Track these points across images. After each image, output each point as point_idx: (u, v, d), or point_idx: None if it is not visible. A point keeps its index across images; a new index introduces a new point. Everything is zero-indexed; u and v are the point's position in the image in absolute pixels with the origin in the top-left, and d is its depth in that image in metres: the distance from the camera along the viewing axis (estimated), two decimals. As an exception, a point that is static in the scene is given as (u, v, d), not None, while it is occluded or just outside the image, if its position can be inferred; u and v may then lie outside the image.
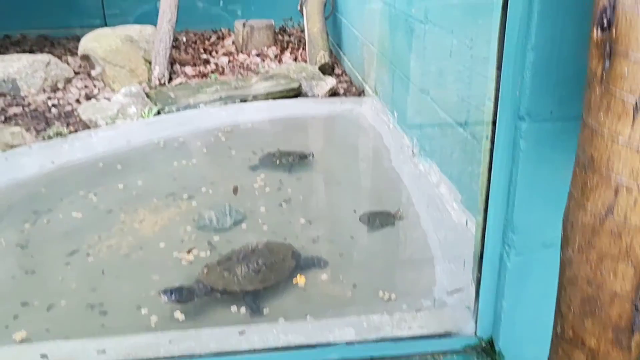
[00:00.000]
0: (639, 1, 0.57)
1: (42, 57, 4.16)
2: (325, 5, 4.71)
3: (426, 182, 2.42)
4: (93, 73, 4.18)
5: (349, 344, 1.38)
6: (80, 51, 4.22)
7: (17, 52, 5.42)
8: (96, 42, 4.12)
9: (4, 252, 2.17)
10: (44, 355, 1.41)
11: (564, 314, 0.80)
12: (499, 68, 1.20)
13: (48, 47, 5.74)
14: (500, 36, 1.18)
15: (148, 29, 4.45)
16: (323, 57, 4.32)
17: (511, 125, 1.22)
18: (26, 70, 4.00)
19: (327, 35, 4.60)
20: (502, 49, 1.19)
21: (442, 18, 2.27)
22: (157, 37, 4.33)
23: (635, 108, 0.59)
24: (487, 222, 1.31)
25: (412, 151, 2.70)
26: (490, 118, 1.26)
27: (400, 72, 2.92)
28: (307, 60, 4.52)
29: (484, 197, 1.33)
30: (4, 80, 3.94)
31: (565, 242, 0.75)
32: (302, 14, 4.80)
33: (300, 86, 3.78)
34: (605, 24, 0.61)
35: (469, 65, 2.01)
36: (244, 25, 5.26)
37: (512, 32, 1.16)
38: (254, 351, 1.38)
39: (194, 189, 2.61)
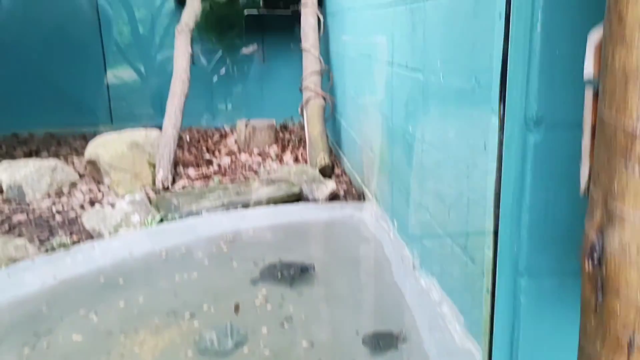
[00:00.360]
0: (625, 247, 0.61)
1: (49, 163, 4.26)
2: (324, 109, 4.88)
3: (428, 299, 2.42)
4: (104, 183, 4.27)
5: None
6: (86, 157, 4.33)
7: (24, 151, 5.58)
8: (103, 147, 4.24)
9: (0, 381, 2.14)
10: None
11: None
12: (496, 232, 1.24)
13: (55, 146, 5.90)
14: (495, 197, 1.24)
15: (153, 133, 4.59)
16: (323, 159, 4.43)
17: (511, 281, 1.25)
18: (32, 176, 4.09)
19: (327, 137, 4.74)
20: (499, 209, 1.23)
21: (439, 142, 2.36)
22: (162, 141, 4.46)
23: (630, 345, 0.62)
24: (492, 373, 1.31)
25: (413, 264, 2.71)
26: (490, 269, 1.29)
27: (399, 183, 2.99)
28: (308, 161, 4.64)
29: (487, 347, 1.33)
30: (10, 187, 4.02)
31: None
32: (303, 117, 4.98)
33: (301, 191, 3.86)
34: (596, 261, 0.65)
35: (466, 194, 2.06)
36: (246, 125, 5.44)
37: (507, 193, 1.21)
38: None
39: (195, 306, 2.60)
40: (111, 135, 4.48)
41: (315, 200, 3.86)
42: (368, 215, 3.48)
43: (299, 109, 5.01)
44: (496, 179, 1.23)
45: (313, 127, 4.69)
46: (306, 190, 3.91)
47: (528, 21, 1.16)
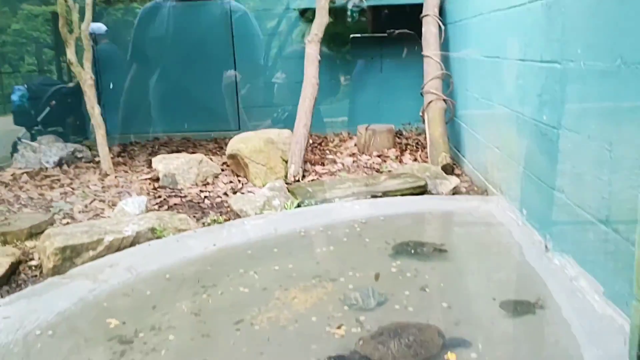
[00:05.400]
0: None
1: (196, 156, 4.80)
2: (445, 112, 5.07)
3: (563, 275, 2.52)
4: (243, 176, 4.71)
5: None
6: (228, 151, 4.82)
7: (167, 151, 6.24)
8: (243, 143, 4.72)
9: (182, 318, 2.51)
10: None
11: None
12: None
13: (191, 148, 6.52)
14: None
15: (285, 132, 5.02)
16: (445, 158, 4.61)
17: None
18: (183, 167, 4.63)
19: (448, 138, 4.91)
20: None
21: (577, 125, 2.48)
22: (294, 139, 4.86)
23: None
24: (648, 303, 1.44)
25: (545, 246, 2.82)
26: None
27: (530, 172, 3.11)
28: (429, 161, 4.83)
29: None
30: (165, 175, 4.58)
31: None
32: (423, 120, 5.19)
33: (426, 184, 4.06)
34: None
35: (608, 165, 2.18)
36: (366, 129, 5.74)
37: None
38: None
39: (337, 273, 2.87)
40: (248, 133, 4.95)
41: (439, 194, 4.05)
42: (494, 206, 3.61)
43: (420, 112, 5.23)
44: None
45: (434, 128, 4.88)
46: (430, 185, 4.11)
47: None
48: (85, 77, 4.85)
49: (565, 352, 2.03)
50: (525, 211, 3.20)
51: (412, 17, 5.72)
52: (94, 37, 6.57)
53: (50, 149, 5.42)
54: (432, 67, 5.22)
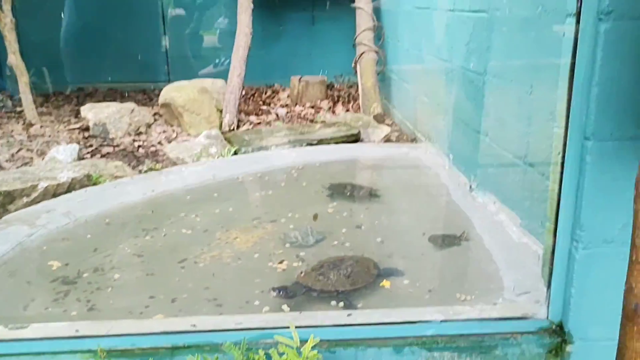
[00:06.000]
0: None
1: (128, 105, 4.69)
2: (377, 63, 5.19)
3: (486, 211, 2.75)
4: (177, 125, 4.64)
5: (443, 321, 1.70)
6: (161, 100, 4.73)
7: (94, 102, 6.00)
8: (176, 92, 4.64)
9: (125, 259, 2.54)
10: (193, 325, 1.74)
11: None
12: (569, 100, 1.56)
13: (119, 99, 6.30)
14: (570, 76, 1.55)
15: (219, 82, 4.98)
16: (376, 108, 4.76)
17: (579, 144, 1.56)
18: (114, 116, 4.52)
19: (379, 89, 5.06)
20: (572, 86, 1.55)
21: (502, 71, 2.66)
22: (228, 89, 4.84)
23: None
24: (558, 223, 1.64)
25: (470, 187, 3.04)
26: (561, 140, 1.61)
27: (457, 118, 3.31)
28: (361, 111, 4.97)
29: (555, 203, 1.66)
30: (95, 124, 4.45)
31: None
32: (356, 71, 5.30)
33: (359, 132, 4.20)
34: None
35: (528, 108, 2.38)
36: (299, 80, 5.79)
37: (580, 72, 1.53)
38: (364, 324, 1.70)
39: (276, 215, 2.98)
40: (182, 82, 4.87)
41: (371, 142, 4.21)
42: (423, 152, 3.81)
43: (353, 63, 5.33)
44: (571, 62, 1.55)
45: (367, 79, 5.01)
46: (363, 134, 4.26)
47: None
48: (5, 21, 4.55)
49: (487, 276, 2.26)
50: (452, 156, 3.41)
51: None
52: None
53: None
54: (363, 18, 5.29)
